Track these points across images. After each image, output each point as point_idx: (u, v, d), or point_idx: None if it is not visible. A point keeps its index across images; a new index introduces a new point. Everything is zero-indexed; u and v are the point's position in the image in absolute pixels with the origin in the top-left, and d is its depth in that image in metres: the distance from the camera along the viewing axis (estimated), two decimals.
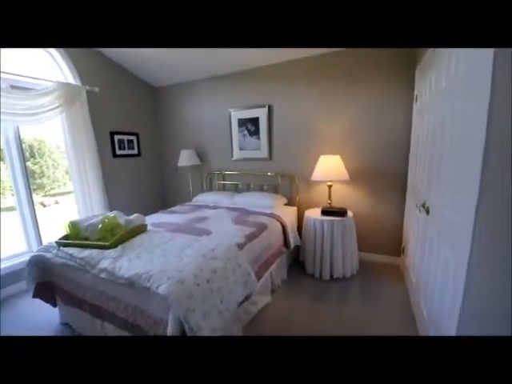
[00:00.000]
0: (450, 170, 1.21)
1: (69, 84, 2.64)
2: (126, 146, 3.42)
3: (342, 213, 2.37)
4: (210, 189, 3.56)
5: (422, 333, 1.57)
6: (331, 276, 2.37)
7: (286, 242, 2.40)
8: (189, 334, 1.13)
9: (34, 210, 2.60)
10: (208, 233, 1.94)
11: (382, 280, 2.34)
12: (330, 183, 2.50)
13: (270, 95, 2.93)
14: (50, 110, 2.47)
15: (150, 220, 2.30)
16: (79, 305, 1.61)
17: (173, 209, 2.89)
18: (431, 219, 1.49)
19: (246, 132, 3.14)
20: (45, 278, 1.79)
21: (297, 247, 2.69)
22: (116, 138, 3.26)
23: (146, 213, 2.50)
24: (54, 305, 1.87)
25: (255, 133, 3.07)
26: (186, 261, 1.40)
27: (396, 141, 2.42)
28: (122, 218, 1.94)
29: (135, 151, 3.55)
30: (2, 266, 2.35)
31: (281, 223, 2.37)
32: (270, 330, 1.75)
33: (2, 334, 1.82)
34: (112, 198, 3.16)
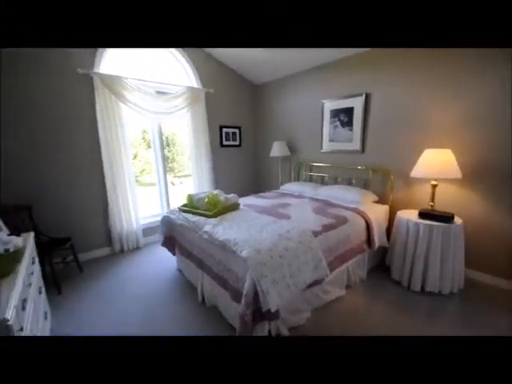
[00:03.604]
0: None
1: (193, 88, 3.35)
2: (231, 138, 4.03)
3: (446, 218, 2.01)
4: (298, 179, 3.71)
5: None
6: (422, 288, 2.09)
7: (369, 241, 2.27)
8: (260, 295, 1.36)
9: (167, 185, 3.53)
10: (288, 217, 2.11)
11: (490, 306, 1.88)
12: (434, 182, 2.15)
13: (368, 83, 2.73)
14: (181, 108, 3.25)
15: (243, 201, 2.70)
16: (189, 257, 2.16)
17: (262, 194, 3.23)
18: None
19: (337, 123, 3.06)
20: (170, 233, 2.47)
21: (384, 250, 2.48)
22: (224, 130, 3.89)
23: (241, 195, 2.93)
24: (174, 254, 2.55)
25: (348, 124, 2.95)
26: (265, 236, 1.63)
27: None
28: (222, 196, 2.39)
29: (237, 142, 4.12)
30: (146, 221, 3.34)
31: (365, 220, 2.25)
32: (337, 322, 1.78)
33: (141, 270, 2.65)
34: (218, 180, 3.85)
